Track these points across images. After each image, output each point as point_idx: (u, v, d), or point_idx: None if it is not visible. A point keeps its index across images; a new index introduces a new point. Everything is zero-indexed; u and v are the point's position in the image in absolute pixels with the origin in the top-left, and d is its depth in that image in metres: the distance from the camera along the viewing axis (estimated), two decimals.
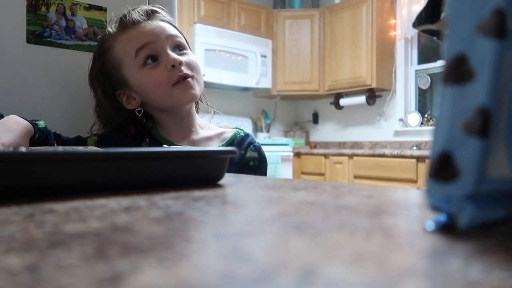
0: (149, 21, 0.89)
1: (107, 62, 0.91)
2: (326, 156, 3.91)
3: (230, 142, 0.95)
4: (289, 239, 0.21)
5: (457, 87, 0.22)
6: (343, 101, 4.47)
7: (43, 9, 0.98)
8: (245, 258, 0.18)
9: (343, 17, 4.24)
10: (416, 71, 4.16)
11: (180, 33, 0.94)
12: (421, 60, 4.16)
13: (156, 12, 0.92)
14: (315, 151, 4.08)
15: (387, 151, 3.46)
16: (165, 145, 0.87)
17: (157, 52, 0.88)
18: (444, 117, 0.23)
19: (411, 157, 3.25)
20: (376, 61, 3.97)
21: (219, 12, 4.07)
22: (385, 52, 4.07)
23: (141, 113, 0.92)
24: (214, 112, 1.03)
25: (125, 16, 0.90)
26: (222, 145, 0.95)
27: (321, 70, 4.43)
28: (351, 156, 3.71)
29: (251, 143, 0.95)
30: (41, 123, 0.86)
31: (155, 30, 0.88)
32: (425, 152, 3.21)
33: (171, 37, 0.90)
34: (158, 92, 0.88)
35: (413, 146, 3.93)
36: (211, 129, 1.00)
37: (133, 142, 0.92)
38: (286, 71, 4.44)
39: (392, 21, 4.12)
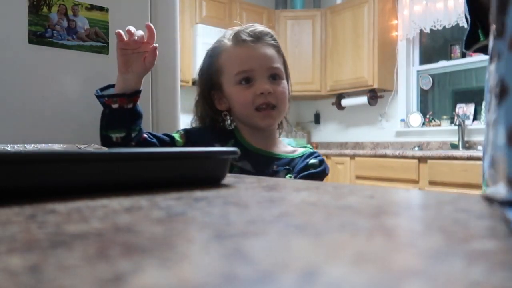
0: (258, 45, 1.00)
1: (213, 65, 1.03)
2: (327, 156, 3.91)
3: (300, 155, 1.04)
4: (291, 239, 0.21)
5: (504, 103, 0.22)
6: (344, 102, 4.47)
7: (45, 9, 0.98)
8: (246, 258, 0.18)
9: (345, 17, 4.24)
10: (418, 71, 4.15)
11: (283, 58, 1.05)
12: (423, 61, 4.16)
13: (266, 35, 1.02)
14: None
15: (388, 151, 3.46)
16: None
17: (254, 77, 0.98)
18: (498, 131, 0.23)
19: (413, 157, 3.25)
20: (377, 61, 3.97)
21: (220, 13, 4.07)
22: (386, 53, 4.07)
23: (227, 116, 1.06)
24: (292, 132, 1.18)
25: (239, 32, 1.01)
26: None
27: (323, 70, 4.43)
28: (352, 156, 3.71)
29: (317, 155, 1.04)
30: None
31: (259, 59, 0.99)
32: (426, 153, 3.20)
33: (271, 68, 0.99)
34: (242, 110, 1.00)
35: (414, 147, 3.92)
36: (286, 146, 1.10)
37: (218, 141, 1.02)
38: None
39: (394, 22, 4.12)
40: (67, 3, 1.00)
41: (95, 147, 0.69)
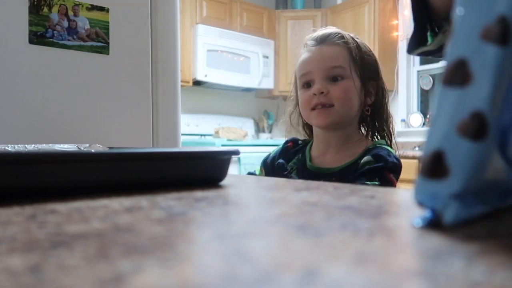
0: (320, 46, 1.01)
1: (295, 73, 1.09)
2: None
3: (354, 161, 0.98)
4: (291, 239, 0.21)
5: (454, 89, 0.23)
6: None
7: (45, 9, 0.98)
8: (247, 258, 0.18)
9: (345, 17, 4.24)
10: (418, 71, 4.15)
11: (355, 55, 1.01)
12: (424, 61, 4.15)
13: (330, 36, 1.02)
14: None
15: None
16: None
17: (313, 80, 1.00)
18: (440, 117, 0.23)
19: (413, 158, 3.24)
20: (378, 61, 3.96)
21: (221, 13, 4.07)
22: (387, 53, 4.07)
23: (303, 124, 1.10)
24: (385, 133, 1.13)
25: (308, 38, 1.05)
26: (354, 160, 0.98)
27: None
28: None
29: (374, 152, 0.96)
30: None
31: (315, 62, 1.00)
32: None
33: (327, 70, 0.99)
34: (303, 111, 1.03)
35: (415, 147, 3.92)
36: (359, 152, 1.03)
37: (293, 157, 1.06)
38: (288, 71, 4.44)
39: (394, 22, 4.12)
40: (67, 3, 1.00)
41: (96, 147, 0.69)
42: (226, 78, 3.98)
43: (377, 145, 1.00)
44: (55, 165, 0.38)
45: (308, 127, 1.10)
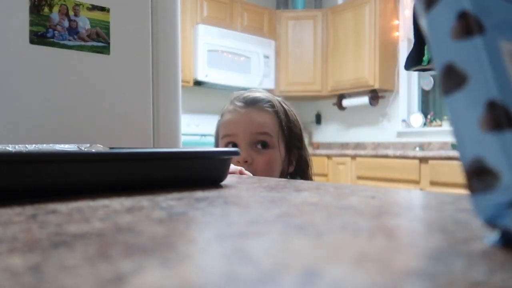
0: (247, 109, 0.98)
1: (217, 126, 1.06)
2: (329, 156, 3.91)
3: None
4: (292, 240, 0.21)
5: (457, 94, 0.22)
6: (346, 102, 4.47)
7: (46, 9, 0.98)
8: (248, 258, 0.18)
9: (346, 18, 4.24)
10: (419, 72, 4.15)
11: (283, 122, 0.99)
12: None
13: (261, 101, 0.99)
14: (318, 151, 4.08)
15: (390, 152, 3.45)
16: None
17: (238, 143, 0.97)
18: (460, 126, 0.22)
19: (414, 158, 3.24)
20: (379, 62, 3.96)
21: (222, 13, 4.07)
22: (388, 53, 4.07)
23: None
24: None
25: (235, 98, 1.02)
26: None
27: (324, 71, 4.42)
28: (354, 157, 3.71)
29: None
30: None
31: (243, 124, 0.97)
32: (427, 153, 3.20)
33: (256, 135, 0.96)
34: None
35: (416, 147, 3.92)
36: None
37: None
38: (289, 71, 4.44)
39: (395, 22, 4.12)
40: (68, 3, 1.01)
41: (97, 147, 0.69)
42: (226, 78, 3.98)
43: None
44: (56, 165, 0.38)
45: None
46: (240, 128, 0.96)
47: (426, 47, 0.47)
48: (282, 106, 1.01)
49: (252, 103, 0.98)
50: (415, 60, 0.48)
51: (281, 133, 0.98)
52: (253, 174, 0.93)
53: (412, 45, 0.48)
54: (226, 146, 0.98)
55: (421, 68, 0.49)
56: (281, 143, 0.98)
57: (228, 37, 4.01)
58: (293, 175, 1.03)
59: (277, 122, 0.98)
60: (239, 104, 0.99)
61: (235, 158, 0.93)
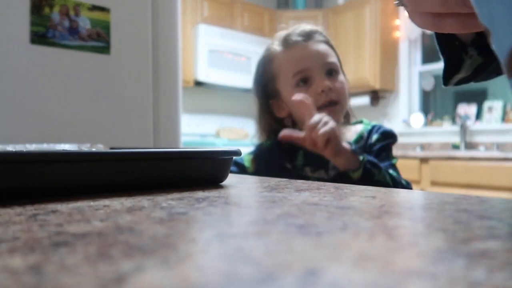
0: (309, 43, 0.98)
1: (267, 73, 1.02)
2: None
3: (359, 137, 1.01)
4: (293, 239, 0.21)
5: None
6: None
7: (47, 10, 0.98)
8: (248, 258, 0.18)
9: (347, 18, 4.24)
10: (419, 72, 4.15)
11: (335, 53, 1.02)
12: (425, 61, 4.15)
13: (316, 33, 1.00)
14: None
15: None
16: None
17: (311, 76, 0.96)
18: None
19: (415, 158, 3.24)
20: (379, 62, 3.96)
21: (222, 13, 4.07)
22: (388, 53, 4.07)
23: (289, 123, 1.00)
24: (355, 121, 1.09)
25: (288, 35, 0.99)
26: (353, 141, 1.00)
27: None
28: None
29: (376, 130, 1.01)
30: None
31: (313, 56, 0.97)
32: (428, 153, 3.20)
33: (327, 63, 0.97)
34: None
35: (416, 147, 3.92)
36: (350, 132, 1.05)
37: (288, 156, 0.98)
38: None
39: (396, 22, 4.12)
40: (68, 3, 1.01)
41: (97, 147, 0.69)
42: (227, 78, 3.99)
43: (370, 125, 1.04)
44: (56, 165, 0.38)
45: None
46: (312, 61, 0.96)
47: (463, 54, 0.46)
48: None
49: (310, 36, 0.99)
50: (450, 73, 0.47)
51: (338, 60, 1.02)
52: (338, 100, 0.96)
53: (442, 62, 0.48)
54: (298, 83, 0.96)
55: (460, 79, 0.48)
56: (341, 69, 1.01)
57: (229, 37, 4.01)
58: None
59: (333, 51, 1.01)
60: (298, 39, 0.98)
61: (316, 89, 0.94)
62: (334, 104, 0.95)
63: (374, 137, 0.98)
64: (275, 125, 1.02)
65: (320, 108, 0.92)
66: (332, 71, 0.98)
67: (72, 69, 1.01)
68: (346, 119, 1.06)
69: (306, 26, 1.01)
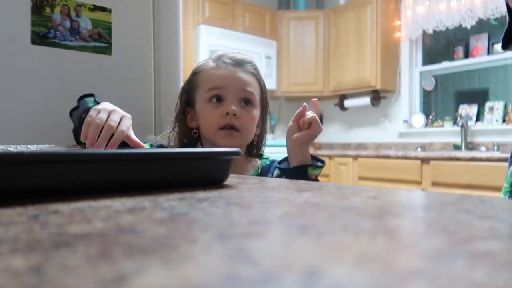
0: (237, 69, 1.02)
1: (191, 82, 1.05)
2: (330, 157, 3.91)
3: (256, 172, 1.06)
4: (294, 240, 0.21)
5: None
6: (347, 103, 4.46)
7: (48, 10, 0.98)
8: (249, 259, 0.18)
9: (348, 18, 4.24)
10: (420, 72, 4.14)
11: (261, 89, 1.06)
12: (426, 62, 4.15)
13: (248, 63, 1.04)
14: (319, 152, 4.08)
15: (391, 152, 3.45)
16: None
17: (225, 97, 0.99)
18: None
19: (416, 158, 3.24)
20: (380, 62, 3.96)
21: (223, 13, 4.07)
22: (389, 54, 4.07)
23: (196, 134, 1.04)
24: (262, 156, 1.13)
25: (223, 55, 1.04)
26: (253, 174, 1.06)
27: (326, 71, 4.42)
28: (355, 157, 3.70)
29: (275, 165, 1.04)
30: None
31: (234, 80, 1.00)
32: (429, 154, 3.20)
33: (244, 91, 1.01)
34: (207, 127, 1.01)
35: (417, 148, 3.91)
36: (254, 168, 1.10)
37: None
38: (290, 72, 4.44)
39: (397, 23, 4.11)
40: (70, 3, 1.01)
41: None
42: None
43: (269, 160, 1.09)
44: (57, 165, 0.38)
45: (191, 143, 1.05)
46: (231, 83, 1.00)
47: None
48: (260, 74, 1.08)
49: (240, 64, 1.02)
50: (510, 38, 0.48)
51: (260, 96, 1.05)
52: (240, 129, 0.98)
53: (506, 25, 0.48)
54: (210, 98, 0.99)
55: None
56: (259, 105, 1.05)
57: (230, 38, 4.01)
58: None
59: (258, 85, 1.05)
60: (228, 61, 1.02)
61: (223, 110, 0.97)
62: (235, 130, 0.98)
63: (275, 173, 1.02)
64: (184, 132, 1.06)
65: (221, 129, 0.98)
66: (248, 101, 1.01)
67: (73, 70, 1.02)
68: (249, 151, 1.10)
69: (242, 56, 1.05)
